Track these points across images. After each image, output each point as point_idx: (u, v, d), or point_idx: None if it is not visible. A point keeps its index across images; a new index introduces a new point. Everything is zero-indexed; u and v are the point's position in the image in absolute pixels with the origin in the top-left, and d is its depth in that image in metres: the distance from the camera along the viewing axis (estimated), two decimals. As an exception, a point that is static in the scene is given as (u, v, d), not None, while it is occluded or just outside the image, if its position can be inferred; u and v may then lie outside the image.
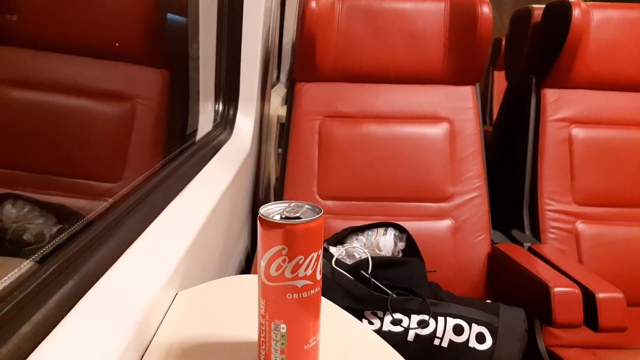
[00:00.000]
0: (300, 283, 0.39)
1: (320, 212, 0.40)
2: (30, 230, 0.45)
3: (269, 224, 0.38)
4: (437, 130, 1.28)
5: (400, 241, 1.09)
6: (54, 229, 0.47)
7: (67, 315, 0.38)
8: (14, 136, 0.44)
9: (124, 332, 0.40)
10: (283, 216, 0.39)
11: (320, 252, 0.40)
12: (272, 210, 0.41)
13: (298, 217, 0.39)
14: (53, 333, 0.36)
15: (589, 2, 1.31)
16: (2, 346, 0.32)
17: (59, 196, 0.53)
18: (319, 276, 0.40)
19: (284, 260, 0.38)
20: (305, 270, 0.39)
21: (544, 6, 1.38)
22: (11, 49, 0.43)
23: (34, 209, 0.46)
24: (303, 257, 0.39)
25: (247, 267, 1.20)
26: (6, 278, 0.36)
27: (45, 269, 0.40)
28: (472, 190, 1.26)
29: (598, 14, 1.29)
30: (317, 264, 0.40)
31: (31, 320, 0.35)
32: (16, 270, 0.38)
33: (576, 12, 1.24)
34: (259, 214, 0.39)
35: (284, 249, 0.38)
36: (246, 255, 1.24)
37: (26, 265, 0.39)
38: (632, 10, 1.31)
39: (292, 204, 0.42)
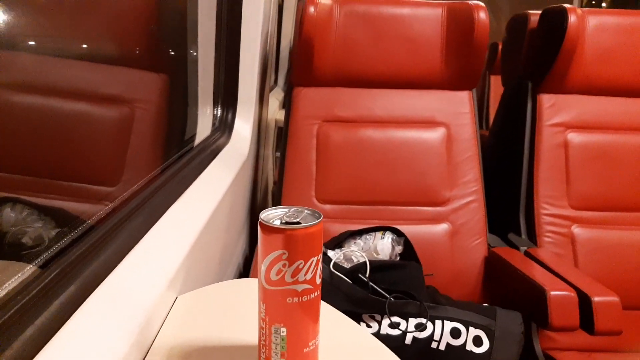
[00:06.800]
0: (300, 287, 0.40)
1: (320, 217, 0.41)
2: (29, 234, 0.45)
3: (270, 229, 0.39)
4: (434, 135, 1.28)
5: (398, 245, 1.09)
6: (53, 233, 0.47)
7: (69, 319, 0.38)
8: (14, 140, 0.45)
9: (126, 335, 0.41)
10: (283, 221, 0.40)
11: (320, 256, 0.41)
12: (273, 215, 0.41)
13: (298, 222, 0.40)
14: (56, 337, 0.36)
15: (585, 9, 1.32)
16: (6, 350, 0.32)
17: (58, 200, 0.53)
18: (318, 280, 0.41)
19: (284, 265, 0.39)
20: (305, 275, 0.39)
21: (540, 12, 1.40)
22: (10, 52, 0.43)
23: (33, 213, 0.47)
24: (303, 262, 0.39)
25: (245, 270, 1.20)
26: (10, 282, 0.37)
27: (48, 273, 0.40)
28: (468, 194, 1.26)
29: (594, 20, 1.30)
30: (317, 268, 0.40)
31: (34, 324, 0.35)
32: (19, 275, 0.38)
33: (572, 18, 1.25)
34: (260, 219, 0.40)
35: (284, 253, 0.39)
36: (244, 258, 1.24)
37: (29, 269, 0.39)
38: (627, 16, 1.32)
39: (292, 209, 0.42)
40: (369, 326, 0.90)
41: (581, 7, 1.37)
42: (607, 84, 1.32)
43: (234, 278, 1.05)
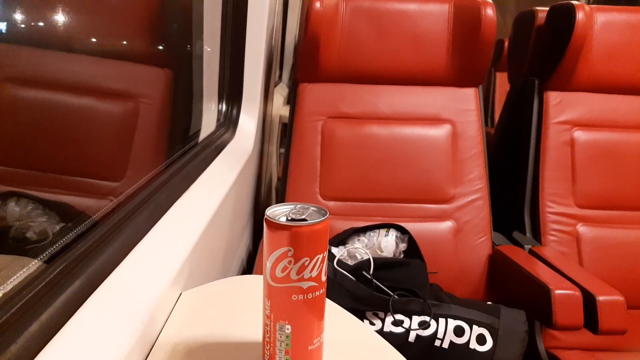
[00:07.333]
0: (305, 284, 0.39)
1: (326, 214, 0.40)
2: (34, 229, 0.45)
3: (276, 226, 0.39)
4: (440, 132, 1.28)
5: (402, 242, 1.09)
6: (58, 228, 0.47)
7: (74, 315, 0.38)
8: (18, 134, 0.45)
9: (130, 331, 0.41)
10: (289, 218, 0.40)
11: (326, 254, 0.40)
12: (278, 211, 0.41)
13: (304, 219, 0.39)
14: (60, 332, 0.36)
15: (592, 5, 1.31)
16: (11, 345, 0.32)
17: (63, 195, 0.53)
18: (323, 278, 0.41)
19: (289, 262, 0.39)
20: (310, 272, 0.39)
21: (547, 8, 1.38)
22: (16, 46, 0.43)
23: (37, 207, 0.47)
24: (309, 259, 0.39)
25: (248, 266, 1.20)
26: (14, 278, 0.36)
27: (52, 268, 0.40)
28: (473, 192, 1.26)
29: (602, 17, 1.29)
30: (322, 265, 0.40)
31: (39, 320, 0.35)
32: (24, 270, 0.38)
33: (580, 15, 1.24)
34: (266, 216, 0.40)
35: (290, 250, 0.38)
36: (248, 254, 1.24)
37: (34, 264, 0.39)
38: (635, 13, 1.31)
39: (298, 206, 0.42)
40: (372, 324, 0.90)
41: (589, 3, 1.37)
42: (614, 81, 1.31)
43: (238, 274, 1.06)
